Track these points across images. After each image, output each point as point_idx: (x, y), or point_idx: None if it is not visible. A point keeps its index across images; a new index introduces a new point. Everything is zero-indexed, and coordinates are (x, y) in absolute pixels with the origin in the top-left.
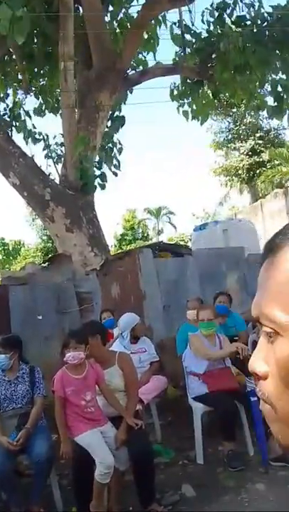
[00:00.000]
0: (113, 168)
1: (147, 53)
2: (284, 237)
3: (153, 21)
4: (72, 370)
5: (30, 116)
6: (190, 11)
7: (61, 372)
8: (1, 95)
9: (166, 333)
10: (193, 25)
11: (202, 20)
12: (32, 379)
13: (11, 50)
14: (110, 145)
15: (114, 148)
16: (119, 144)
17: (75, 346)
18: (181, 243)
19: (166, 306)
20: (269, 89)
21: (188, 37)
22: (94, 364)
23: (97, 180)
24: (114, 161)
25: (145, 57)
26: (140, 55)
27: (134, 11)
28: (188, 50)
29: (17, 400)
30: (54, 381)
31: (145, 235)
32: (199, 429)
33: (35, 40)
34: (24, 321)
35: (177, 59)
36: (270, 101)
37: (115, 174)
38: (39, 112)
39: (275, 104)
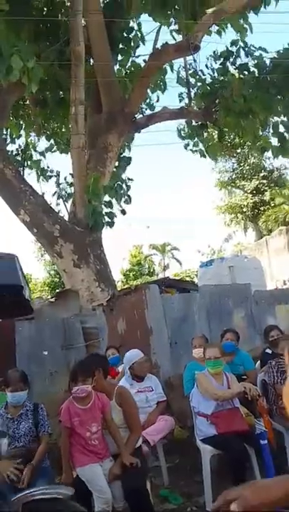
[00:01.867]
0: (123, 204)
1: (156, 99)
2: None
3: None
4: (79, 401)
5: (44, 156)
6: (195, 61)
7: (68, 402)
8: (14, 136)
9: (173, 369)
10: (197, 74)
11: (206, 66)
12: (36, 416)
13: (25, 95)
14: (120, 182)
15: (124, 184)
16: (129, 179)
17: (82, 379)
18: (187, 279)
19: (172, 343)
20: (272, 131)
21: (193, 81)
22: (100, 394)
23: (106, 218)
24: (125, 198)
25: (153, 103)
26: (148, 100)
27: (141, 60)
28: (192, 92)
29: (19, 439)
30: (61, 411)
31: (151, 270)
32: (208, 473)
33: (48, 87)
34: (30, 356)
35: (182, 99)
36: (274, 141)
37: (123, 212)
38: (49, 150)
39: (279, 144)
